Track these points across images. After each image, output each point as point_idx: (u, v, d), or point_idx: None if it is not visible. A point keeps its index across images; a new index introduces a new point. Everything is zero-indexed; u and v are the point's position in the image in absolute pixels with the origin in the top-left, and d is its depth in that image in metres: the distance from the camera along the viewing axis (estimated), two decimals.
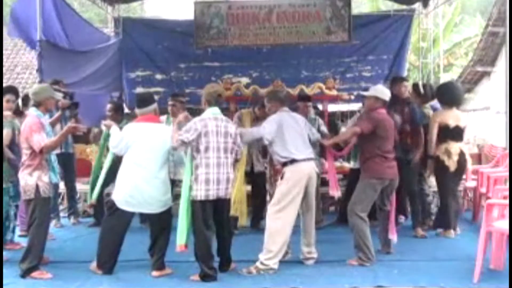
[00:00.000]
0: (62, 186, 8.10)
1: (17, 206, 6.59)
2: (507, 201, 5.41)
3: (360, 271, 5.58)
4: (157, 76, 11.62)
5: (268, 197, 6.27)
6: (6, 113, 6.30)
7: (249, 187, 7.71)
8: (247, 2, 10.88)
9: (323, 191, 7.83)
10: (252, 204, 7.72)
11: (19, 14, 8.55)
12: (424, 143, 7.08)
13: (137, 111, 5.82)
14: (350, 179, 7.63)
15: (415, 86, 7.58)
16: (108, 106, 7.91)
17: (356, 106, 10.00)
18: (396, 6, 12.20)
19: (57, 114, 6.95)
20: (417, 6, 11.83)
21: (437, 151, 7.03)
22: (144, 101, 5.83)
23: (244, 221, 7.42)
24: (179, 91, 10.12)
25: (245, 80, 10.99)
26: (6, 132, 6.20)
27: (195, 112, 5.87)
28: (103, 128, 7.67)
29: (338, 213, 8.18)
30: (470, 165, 7.52)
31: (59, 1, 9.29)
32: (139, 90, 11.28)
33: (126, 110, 8.71)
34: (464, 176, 8.23)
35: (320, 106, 9.42)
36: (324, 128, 7.48)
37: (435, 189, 7.54)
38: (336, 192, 6.50)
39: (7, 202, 6.29)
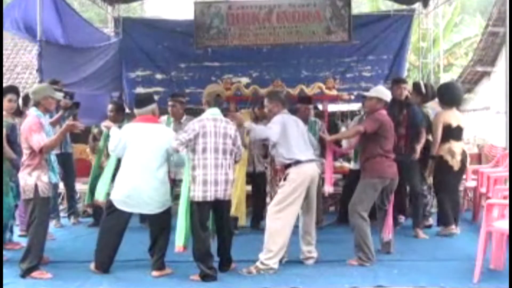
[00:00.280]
0: (61, 186, 8.10)
1: (16, 206, 6.60)
2: (507, 201, 5.41)
3: (360, 271, 5.57)
4: (157, 76, 11.61)
5: (268, 199, 6.27)
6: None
7: (249, 188, 7.72)
8: (247, 2, 10.88)
9: (323, 191, 7.81)
10: (252, 204, 7.73)
11: (17, 9, 8.55)
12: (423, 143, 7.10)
13: (135, 111, 5.83)
14: (350, 180, 7.64)
15: (416, 85, 7.57)
16: (110, 106, 7.92)
17: (356, 106, 10.02)
18: (396, 6, 12.19)
19: (58, 114, 6.96)
20: (417, 6, 11.82)
21: (440, 151, 7.06)
22: (142, 101, 5.83)
23: (243, 221, 7.43)
24: (179, 91, 10.13)
25: (245, 80, 10.98)
26: None
27: (196, 112, 5.87)
28: (103, 128, 7.70)
29: (338, 213, 8.18)
30: (468, 165, 7.55)
31: (59, 0, 9.29)
32: (139, 90, 11.29)
33: (127, 110, 8.70)
34: (464, 176, 8.26)
35: (320, 106, 9.42)
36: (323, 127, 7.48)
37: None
38: (329, 187, 6.52)
39: (9, 202, 6.32)
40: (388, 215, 6.24)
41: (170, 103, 7.60)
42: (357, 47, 11.41)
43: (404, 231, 7.07)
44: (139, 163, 5.52)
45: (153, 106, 5.77)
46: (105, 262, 5.59)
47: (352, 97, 9.20)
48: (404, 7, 11.86)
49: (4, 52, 15.80)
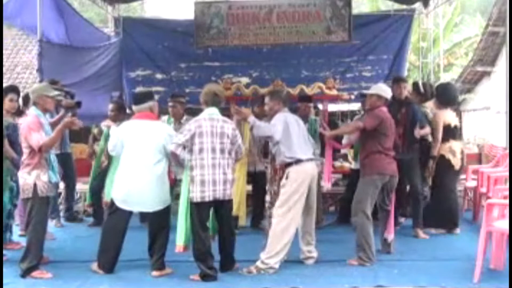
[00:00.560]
0: (61, 186, 8.10)
1: (15, 205, 6.60)
2: (507, 201, 5.41)
3: (360, 271, 5.58)
4: (158, 76, 11.61)
5: (267, 197, 6.26)
6: None
7: (249, 187, 7.72)
8: (247, 2, 10.87)
9: (323, 190, 7.82)
10: (252, 204, 7.72)
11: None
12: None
13: (133, 108, 5.84)
14: (351, 179, 7.64)
15: (415, 85, 7.59)
16: (111, 105, 7.92)
17: (356, 106, 10.03)
18: (396, 6, 12.19)
19: (60, 114, 6.96)
20: (417, 6, 11.82)
21: (441, 151, 7.09)
22: (139, 98, 5.84)
23: (244, 221, 7.43)
24: (179, 91, 10.13)
25: (245, 80, 10.98)
26: None
27: (196, 112, 5.85)
28: (103, 128, 7.70)
29: (338, 213, 8.18)
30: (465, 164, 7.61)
31: (60, 0, 9.29)
32: (140, 89, 11.27)
33: (127, 110, 8.70)
34: (464, 176, 8.28)
35: (320, 106, 9.41)
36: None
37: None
38: (327, 184, 6.52)
39: (8, 201, 6.32)
40: (390, 215, 6.24)
41: (170, 103, 7.61)
42: (357, 47, 11.41)
43: (404, 231, 7.07)
44: (136, 160, 5.52)
45: (151, 103, 5.75)
46: (108, 262, 5.59)
47: (352, 97, 9.20)
48: (404, 7, 11.86)
49: (4, 52, 15.79)
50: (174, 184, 6.89)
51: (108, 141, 5.95)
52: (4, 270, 5.48)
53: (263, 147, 7.27)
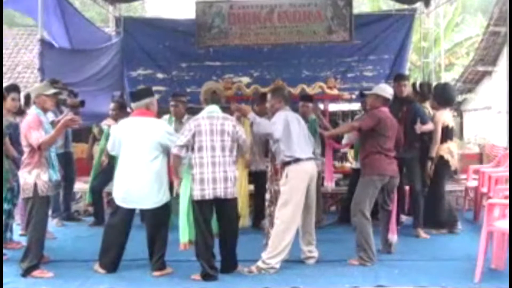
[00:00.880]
0: None
1: (15, 205, 6.60)
2: (508, 201, 5.41)
3: (361, 271, 5.57)
4: (159, 75, 11.61)
5: (267, 195, 6.25)
6: None
7: (251, 187, 7.72)
8: (248, 2, 10.87)
9: (323, 190, 7.82)
10: (254, 203, 7.72)
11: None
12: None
13: (131, 105, 5.84)
14: (352, 179, 7.63)
15: (413, 85, 7.62)
16: (112, 105, 7.94)
17: (357, 106, 10.00)
18: (397, 5, 12.19)
19: (65, 113, 6.98)
20: (418, 5, 11.81)
21: (440, 151, 7.08)
22: (136, 95, 5.84)
23: (246, 222, 7.42)
24: (180, 91, 10.13)
25: (246, 79, 10.98)
26: None
27: (197, 111, 5.84)
28: (104, 127, 7.71)
29: (339, 212, 8.18)
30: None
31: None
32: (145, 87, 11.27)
33: (128, 109, 8.71)
34: (465, 176, 8.28)
35: (321, 106, 9.40)
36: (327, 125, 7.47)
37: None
38: (330, 183, 6.52)
39: (9, 201, 6.33)
40: (392, 215, 6.23)
41: (172, 102, 7.60)
42: (358, 47, 11.40)
43: (405, 230, 7.06)
44: (132, 157, 5.53)
45: (148, 100, 5.71)
46: (111, 262, 5.60)
47: (353, 96, 9.20)
48: (406, 6, 11.85)
49: (4, 51, 15.82)
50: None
51: (108, 140, 5.96)
52: (5, 269, 5.48)
53: (264, 146, 7.27)
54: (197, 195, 5.35)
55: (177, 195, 5.74)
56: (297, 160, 5.69)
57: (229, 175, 5.42)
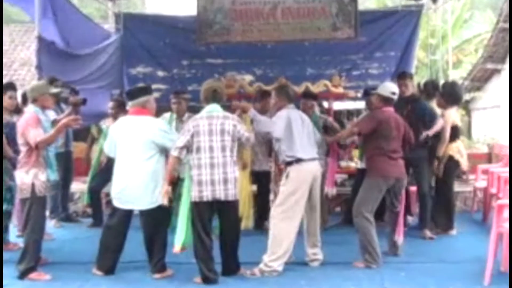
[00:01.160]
0: None
1: (13, 205, 6.62)
2: None
3: (366, 274, 5.58)
4: (159, 73, 11.59)
5: (272, 196, 6.26)
6: None
7: (254, 187, 7.71)
8: None
9: (326, 193, 7.80)
10: (257, 204, 7.72)
11: None
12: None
13: (128, 104, 5.85)
14: (357, 179, 7.62)
15: (418, 84, 7.63)
16: (111, 103, 7.96)
17: (363, 104, 10.00)
18: (404, 1, 12.15)
19: (67, 111, 6.99)
20: (426, 1, 11.78)
21: (449, 151, 7.08)
22: (132, 93, 5.83)
23: (249, 223, 7.42)
24: (181, 89, 10.13)
25: (248, 77, 10.94)
26: None
27: (198, 110, 5.84)
28: (103, 126, 7.72)
29: (344, 213, 8.17)
30: None
31: None
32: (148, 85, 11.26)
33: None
34: (473, 176, 8.28)
35: (325, 104, 9.41)
36: (336, 125, 7.41)
37: None
38: (330, 189, 6.51)
39: (8, 201, 6.36)
40: (400, 216, 6.22)
41: (174, 100, 7.59)
42: (364, 44, 11.36)
43: (412, 232, 7.05)
44: (127, 157, 5.53)
45: (144, 98, 5.69)
46: (108, 264, 5.62)
47: (359, 94, 9.20)
48: (412, 2, 11.81)
49: None
50: (177, 183, 6.91)
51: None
52: None
53: (267, 145, 7.26)
54: (195, 197, 5.34)
55: (180, 196, 5.75)
56: (299, 160, 5.68)
57: (229, 177, 5.38)
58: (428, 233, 7.00)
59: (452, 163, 7.10)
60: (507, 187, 6.77)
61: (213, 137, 5.37)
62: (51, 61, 8.27)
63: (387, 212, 6.35)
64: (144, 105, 5.68)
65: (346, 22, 10.63)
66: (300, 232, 5.84)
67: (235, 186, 5.46)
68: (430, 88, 7.33)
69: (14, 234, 6.93)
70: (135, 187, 5.50)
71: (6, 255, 6.08)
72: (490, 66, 17.03)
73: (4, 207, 6.33)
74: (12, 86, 6.65)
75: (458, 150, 7.12)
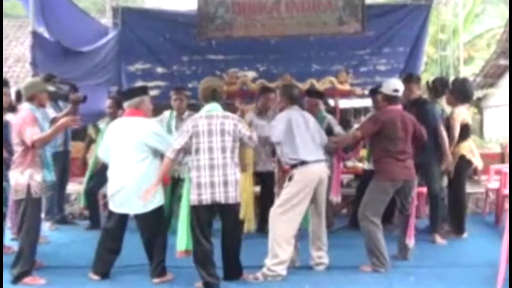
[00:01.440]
0: None
1: (6, 206, 6.64)
2: None
3: (374, 278, 5.58)
4: (158, 70, 11.60)
5: (276, 200, 6.25)
6: None
7: (258, 188, 7.71)
8: None
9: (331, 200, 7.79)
10: (260, 206, 7.71)
11: None
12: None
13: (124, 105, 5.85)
14: (363, 181, 7.63)
15: (426, 83, 7.62)
16: (108, 101, 7.97)
17: (370, 102, 10.00)
18: None
19: (68, 108, 7.01)
20: None
21: (461, 150, 7.09)
22: (127, 94, 5.86)
23: (252, 226, 7.41)
24: (181, 86, 10.13)
25: (251, 74, 10.93)
26: None
27: (198, 108, 5.84)
28: (101, 126, 7.73)
29: (350, 216, 8.17)
30: None
31: None
32: (139, 84, 11.26)
33: None
34: (486, 177, 8.26)
35: (331, 102, 9.40)
36: (338, 128, 7.37)
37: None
38: (336, 197, 6.51)
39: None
40: (411, 219, 6.19)
41: (175, 96, 7.57)
42: (371, 39, 11.35)
43: (421, 236, 7.05)
44: (120, 159, 5.54)
45: (138, 99, 5.67)
46: (103, 268, 5.63)
47: (366, 92, 9.18)
48: None
49: None
50: (177, 184, 6.93)
51: None
52: None
53: (271, 145, 7.26)
54: (194, 200, 5.33)
55: (179, 198, 5.75)
56: (303, 162, 5.68)
57: (230, 179, 5.35)
58: (438, 238, 6.99)
59: (463, 163, 7.10)
60: None
61: (213, 138, 5.35)
62: (46, 57, 8.28)
63: (397, 214, 6.34)
64: (138, 106, 5.66)
65: (353, 16, 10.61)
66: (305, 235, 5.84)
67: (236, 188, 5.43)
68: (438, 86, 7.32)
69: (8, 237, 6.95)
70: (128, 190, 5.48)
71: None
72: (503, 62, 16.99)
73: None
74: (5, 83, 6.65)
75: (470, 149, 7.12)
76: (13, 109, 6.62)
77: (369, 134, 6.04)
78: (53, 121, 6.36)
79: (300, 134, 5.76)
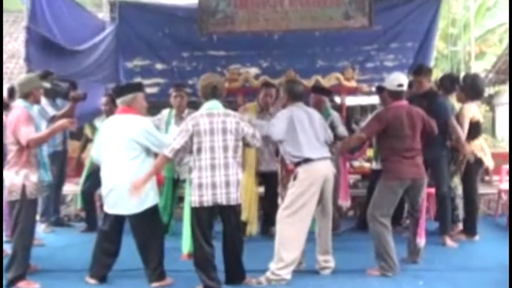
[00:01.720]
0: None
1: None
2: None
3: (381, 282, 5.58)
4: (157, 66, 11.59)
5: (279, 200, 6.25)
6: None
7: (261, 189, 7.70)
8: None
9: (340, 205, 7.79)
10: (263, 207, 7.71)
11: None
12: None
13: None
14: (371, 181, 7.63)
15: (435, 81, 7.63)
16: (104, 99, 7.96)
17: (377, 99, 9.99)
18: None
19: (69, 105, 7.02)
20: None
21: (472, 148, 7.07)
22: (119, 91, 5.82)
23: (254, 229, 7.41)
24: (180, 82, 10.13)
25: (254, 70, 10.93)
26: None
27: (198, 106, 5.83)
28: (97, 124, 7.74)
29: (358, 217, 8.18)
30: None
31: None
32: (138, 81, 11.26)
33: None
34: (498, 177, 8.26)
35: (337, 99, 9.39)
36: (341, 129, 7.29)
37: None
38: (345, 202, 6.50)
39: None
40: (421, 218, 6.18)
41: (174, 93, 7.57)
42: (379, 34, 11.32)
43: (431, 238, 7.03)
44: (111, 158, 5.53)
45: (131, 96, 5.64)
46: (100, 272, 5.64)
47: (373, 89, 9.16)
48: None
49: None
50: (177, 185, 6.94)
51: None
52: None
53: (274, 144, 7.26)
54: (195, 202, 5.32)
55: (179, 199, 5.76)
56: (307, 160, 5.67)
57: (231, 179, 5.34)
58: (449, 241, 6.98)
59: (474, 162, 7.09)
60: None
61: (215, 137, 5.33)
62: (41, 53, 8.28)
63: (407, 215, 6.33)
64: (130, 104, 5.64)
65: (360, 10, 10.59)
66: (311, 238, 5.84)
67: (238, 189, 5.43)
68: (447, 83, 7.31)
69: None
70: (120, 190, 5.46)
71: None
72: None
73: None
74: None
75: (481, 147, 7.12)
76: (5, 106, 6.62)
77: (374, 134, 6.03)
78: (52, 119, 6.37)
79: (303, 131, 5.75)
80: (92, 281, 5.61)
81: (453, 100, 7.52)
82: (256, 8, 10.60)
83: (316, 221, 5.89)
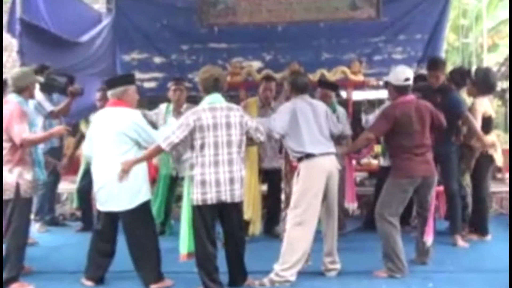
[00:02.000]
0: None
1: None
2: None
3: (389, 284, 5.58)
4: (156, 59, 11.56)
5: (283, 196, 6.24)
6: None
7: (264, 187, 7.70)
8: None
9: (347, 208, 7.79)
10: (267, 206, 7.71)
11: None
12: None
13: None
14: (379, 178, 7.63)
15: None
16: (98, 94, 7.96)
17: (385, 94, 9.97)
18: None
19: (67, 100, 7.03)
20: None
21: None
22: (110, 83, 5.83)
23: (257, 229, 7.41)
24: (180, 76, 10.12)
25: (257, 64, 10.90)
26: None
27: (198, 100, 5.81)
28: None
29: (365, 217, 8.18)
30: None
31: None
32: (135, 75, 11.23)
33: None
34: (507, 175, 8.25)
35: (343, 94, 9.38)
36: (346, 128, 7.13)
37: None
38: (352, 204, 6.50)
39: None
40: (430, 216, 6.16)
41: (174, 87, 7.58)
42: (386, 25, 11.28)
43: (441, 238, 7.04)
44: (101, 153, 5.53)
45: (122, 88, 5.64)
46: (96, 273, 5.65)
47: (381, 83, 9.13)
48: None
49: None
50: (175, 183, 6.94)
51: None
52: None
53: (278, 141, 7.25)
54: (197, 199, 5.30)
55: (178, 198, 5.76)
56: (309, 155, 5.67)
57: (236, 176, 5.33)
58: (460, 241, 6.99)
59: (485, 158, 7.09)
60: None
61: (218, 132, 5.30)
62: (34, 46, 8.27)
63: (415, 215, 6.33)
64: (121, 97, 5.63)
65: (367, 1, 10.58)
66: (317, 237, 5.83)
67: (242, 186, 5.43)
68: (457, 77, 7.30)
69: None
70: (111, 186, 5.47)
71: None
72: None
73: None
74: None
75: (493, 143, 7.11)
76: None
77: (382, 133, 6.03)
78: (50, 114, 6.37)
79: (306, 124, 5.75)
80: (88, 283, 5.62)
81: (464, 95, 7.51)
82: None
83: (322, 221, 5.89)
